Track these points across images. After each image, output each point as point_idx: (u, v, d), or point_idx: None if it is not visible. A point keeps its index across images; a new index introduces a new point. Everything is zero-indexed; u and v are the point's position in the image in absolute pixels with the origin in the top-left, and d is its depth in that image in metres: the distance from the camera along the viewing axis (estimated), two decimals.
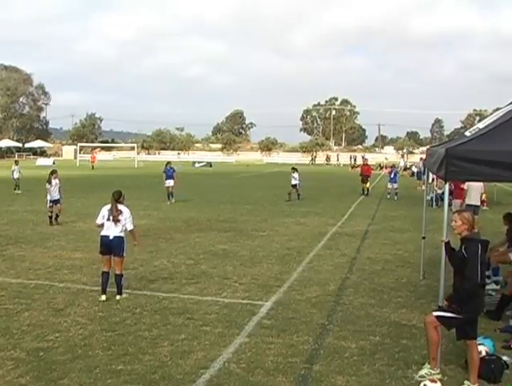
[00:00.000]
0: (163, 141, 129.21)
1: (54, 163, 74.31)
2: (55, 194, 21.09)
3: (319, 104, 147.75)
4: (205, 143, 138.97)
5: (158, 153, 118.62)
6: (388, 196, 34.30)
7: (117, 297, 10.75)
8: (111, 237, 10.66)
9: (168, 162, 31.61)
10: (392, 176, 34.61)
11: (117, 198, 10.91)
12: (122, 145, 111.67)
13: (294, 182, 31.54)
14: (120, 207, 10.82)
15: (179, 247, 16.33)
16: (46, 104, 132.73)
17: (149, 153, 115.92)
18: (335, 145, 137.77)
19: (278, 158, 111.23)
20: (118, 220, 10.66)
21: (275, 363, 7.70)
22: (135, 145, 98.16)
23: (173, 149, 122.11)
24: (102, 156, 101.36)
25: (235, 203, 28.65)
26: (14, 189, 34.83)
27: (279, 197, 31.98)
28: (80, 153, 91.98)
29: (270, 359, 7.83)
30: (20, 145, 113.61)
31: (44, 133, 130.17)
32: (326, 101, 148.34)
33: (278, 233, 19.29)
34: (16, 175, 35.93)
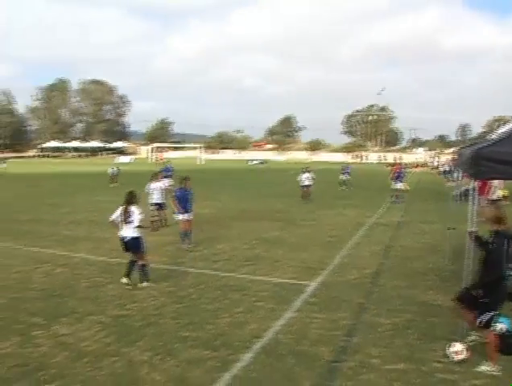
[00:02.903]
0: (224, 141, 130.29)
1: (132, 161, 75.71)
2: (156, 196, 17.45)
3: (358, 110, 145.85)
4: (262, 143, 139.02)
5: (219, 153, 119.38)
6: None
7: (141, 284, 10.18)
8: (127, 239, 10.08)
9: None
10: (396, 176, 29.42)
11: (129, 199, 10.19)
12: (189, 145, 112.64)
13: (307, 182, 27.58)
14: (131, 208, 10.05)
15: (236, 233, 16.49)
16: (127, 111, 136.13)
17: (211, 153, 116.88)
18: (373, 146, 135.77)
19: (323, 157, 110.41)
20: (130, 222, 9.98)
21: (318, 335, 7.76)
22: (200, 145, 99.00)
23: (232, 149, 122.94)
24: (171, 154, 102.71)
25: (286, 196, 28.61)
26: (110, 183, 35.52)
27: (323, 191, 31.85)
28: (153, 152, 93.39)
29: (314, 331, 7.91)
30: (105, 145, 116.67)
31: (125, 135, 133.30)
32: (365, 107, 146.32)
33: (323, 223, 19.28)
34: (110, 171, 36.91)
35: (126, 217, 9.97)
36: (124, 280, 10.15)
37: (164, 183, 18.17)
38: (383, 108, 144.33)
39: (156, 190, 17.52)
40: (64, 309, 8.83)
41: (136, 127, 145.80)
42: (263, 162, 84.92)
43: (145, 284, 10.23)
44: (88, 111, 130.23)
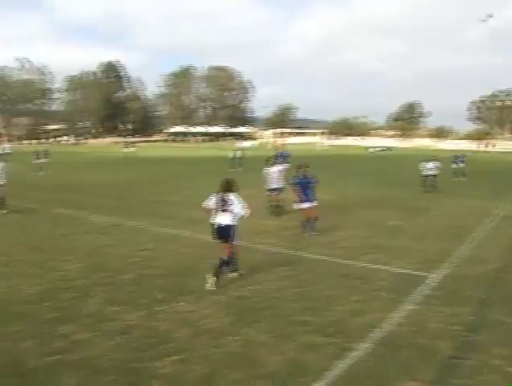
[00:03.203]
0: (346, 127, 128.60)
1: (254, 146, 76.71)
2: (273, 181, 17.39)
3: (487, 96, 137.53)
4: (383, 130, 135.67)
5: (341, 139, 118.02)
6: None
7: (212, 278, 9.28)
8: (221, 225, 9.54)
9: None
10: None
11: (226, 187, 9.72)
12: (310, 130, 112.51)
13: (431, 172, 25.92)
14: (228, 196, 9.61)
15: (356, 221, 16.27)
16: (250, 97, 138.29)
17: (333, 138, 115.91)
18: (502, 134, 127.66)
19: (449, 144, 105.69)
20: (225, 210, 9.54)
21: (438, 329, 7.51)
22: (320, 130, 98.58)
23: (354, 135, 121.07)
24: (291, 140, 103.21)
25: (407, 184, 27.72)
26: (232, 167, 35.93)
27: (447, 180, 30.53)
28: (274, 137, 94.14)
29: (433, 325, 7.66)
30: (228, 130, 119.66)
31: (248, 121, 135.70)
32: (492, 93, 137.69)
33: (446, 213, 18.49)
34: (236, 156, 37.61)
35: (224, 205, 9.56)
36: (211, 280, 9.26)
37: (279, 168, 17.99)
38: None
39: (272, 175, 17.52)
40: (187, 287, 9.23)
41: (259, 113, 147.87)
42: (385, 149, 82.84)
43: (234, 274, 9.87)
44: (213, 97, 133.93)
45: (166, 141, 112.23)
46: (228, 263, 9.66)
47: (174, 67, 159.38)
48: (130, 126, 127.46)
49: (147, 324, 7.60)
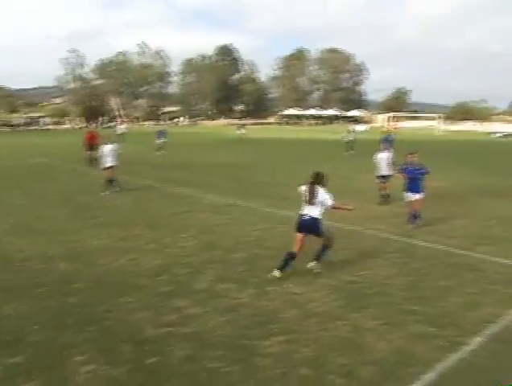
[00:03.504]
0: (464, 112, 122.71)
1: (367, 129, 74.97)
2: (381, 168, 16.63)
3: None
4: (507, 115, 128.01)
5: (459, 124, 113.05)
6: None
7: (311, 263, 9.15)
8: (306, 217, 9.08)
9: None
10: None
11: (315, 180, 9.28)
12: (426, 115, 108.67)
13: None
14: (316, 189, 9.13)
15: (472, 209, 15.48)
16: (365, 79, 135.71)
17: (450, 124, 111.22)
18: None
19: None
20: (313, 203, 9.09)
21: None
22: (437, 115, 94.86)
23: (473, 120, 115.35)
24: (406, 124, 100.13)
25: None
26: (345, 151, 35.53)
27: None
28: (388, 121, 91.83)
29: None
30: (341, 113, 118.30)
31: (362, 104, 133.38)
32: None
33: None
34: (348, 140, 36.74)
35: (311, 197, 9.11)
36: (276, 273, 8.95)
37: (387, 155, 16.94)
38: None
39: (381, 161, 16.75)
40: (297, 269, 9.23)
41: (372, 96, 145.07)
42: (507, 134, 78.12)
43: (313, 265, 9.20)
44: (326, 79, 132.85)
45: (279, 123, 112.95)
46: (326, 247, 9.29)
47: (287, 51, 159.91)
48: (243, 108, 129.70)
49: (256, 303, 7.74)
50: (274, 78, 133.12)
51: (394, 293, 8.25)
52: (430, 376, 5.69)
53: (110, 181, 17.89)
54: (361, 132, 61.53)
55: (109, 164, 18.01)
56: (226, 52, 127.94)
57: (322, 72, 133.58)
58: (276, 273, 8.88)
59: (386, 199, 16.37)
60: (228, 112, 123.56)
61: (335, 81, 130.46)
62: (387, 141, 21.31)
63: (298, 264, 9.56)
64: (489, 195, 18.44)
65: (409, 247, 11.08)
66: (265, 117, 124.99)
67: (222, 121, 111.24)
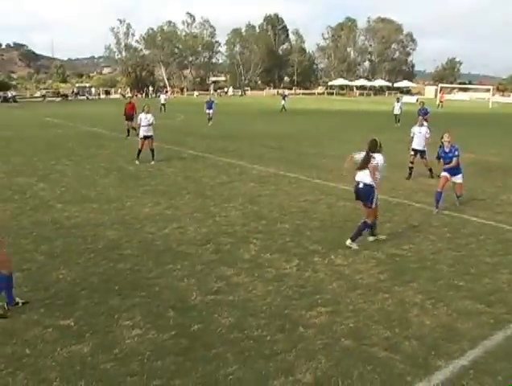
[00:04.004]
0: None
1: (417, 101, 72.81)
2: (417, 142, 15.88)
3: None
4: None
5: (510, 96, 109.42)
6: None
7: (347, 242, 8.98)
8: (361, 185, 9.07)
9: None
10: None
11: (371, 148, 9.14)
12: (478, 86, 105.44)
13: None
14: (373, 155, 9.02)
15: None
16: (413, 50, 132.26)
17: (503, 95, 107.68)
18: None
19: None
20: (365, 168, 9.01)
21: None
22: (490, 87, 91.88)
23: None
24: (458, 96, 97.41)
25: None
26: (396, 122, 34.84)
27: None
28: (440, 92, 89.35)
29: None
30: (390, 84, 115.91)
31: (410, 75, 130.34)
32: None
33: None
34: (397, 111, 35.72)
35: (365, 165, 9.03)
36: (348, 242, 9.03)
37: (424, 129, 15.97)
38: None
39: (416, 135, 15.91)
40: (343, 240, 9.21)
41: (422, 66, 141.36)
42: None
43: (350, 244, 9.01)
44: (375, 50, 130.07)
45: (327, 94, 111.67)
46: (370, 226, 9.28)
47: (335, 20, 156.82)
48: (290, 78, 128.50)
49: (301, 274, 7.77)
50: (322, 48, 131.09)
51: (440, 268, 8.13)
52: (475, 353, 5.61)
53: (151, 150, 17.97)
54: (411, 104, 60.04)
55: (145, 133, 17.93)
56: (274, 22, 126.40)
57: (371, 43, 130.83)
58: (371, 239, 9.33)
59: (430, 173, 15.53)
60: (275, 82, 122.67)
61: (383, 52, 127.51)
62: (423, 114, 20.48)
63: (342, 235, 9.55)
64: None
65: (457, 221, 10.87)
66: (312, 88, 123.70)
67: (270, 91, 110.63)
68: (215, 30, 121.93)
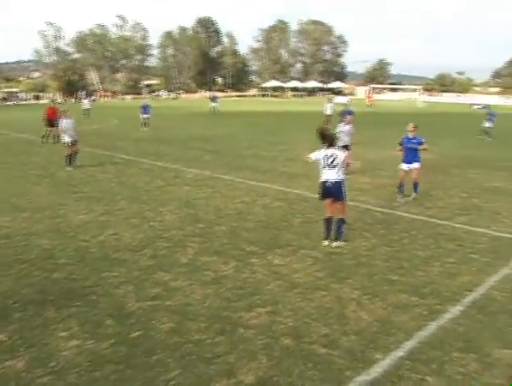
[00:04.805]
0: (444, 84, 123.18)
1: (349, 102, 74.43)
2: (343, 139, 15.94)
3: None
4: (484, 87, 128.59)
5: (440, 96, 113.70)
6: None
7: (334, 243, 9.21)
8: (329, 183, 9.09)
9: None
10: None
11: (330, 142, 9.24)
12: (406, 86, 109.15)
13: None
14: (333, 151, 9.15)
15: (454, 181, 15.64)
16: (344, 52, 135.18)
17: (430, 95, 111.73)
18: None
19: None
20: (334, 166, 9.09)
21: None
22: (418, 87, 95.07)
23: (453, 92, 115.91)
24: (388, 96, 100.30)
25: None
26: (326, 123, 34.90)
27: None
28: (369, 93, 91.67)
29: None
30: (322, 85, 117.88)
31: (342, 76, 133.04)
32: None
33: None
34: (329, 112, 35.16)
35: (332, 160, 9.10)
36: (325, 243, 9.25)
37: (348, 128, 16.74)
38: None
39: (343, 132, 16.42)
40: (279, 241, 9.34)
41: (353, 68, 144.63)
42: (487, 106, 78.68)
43: (337, 243, 9.25)
44: (307, 51, 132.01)
45: (260, 95, 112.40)
46: (345, 221, 9.41)
47: (268, 23, 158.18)
48: (223, 81, 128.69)
49: (239, 275, 7.79)
50: (255, 50, 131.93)
51: (375, 263, 8.35)
52: (411, 343, 5.80)
53: (71, 155, 17.57)
54: (343, 104, 61.29)
55: (71, 138, 17.56)
56: (206, 24, 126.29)
57: (303, 44, 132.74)
58: (326, 243, 9.21)
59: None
60: (209, 85, 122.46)
61: (315, 53, 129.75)
62: (346, 114, 21.38)
63: (279, 235, 9.67)
64: (469, 167, 18.63)
65: (390, 218, 11.19)
66: (246, 90, 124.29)
67: (203, 94, 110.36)
68: (147, 32, 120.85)
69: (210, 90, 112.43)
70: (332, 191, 9.14)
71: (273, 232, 9.95)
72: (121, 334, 5.96)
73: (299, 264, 8.24)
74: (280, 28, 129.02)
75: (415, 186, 13.06)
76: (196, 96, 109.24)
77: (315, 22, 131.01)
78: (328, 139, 9.25)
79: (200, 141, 25.64)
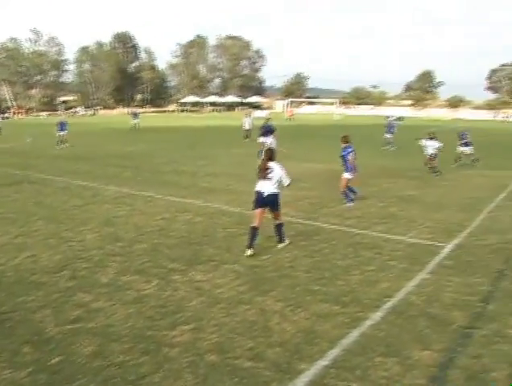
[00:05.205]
0: (359, 97, 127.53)
1: (268, 116, 75.36)
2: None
3: (506, 64, 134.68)
4: (396, 99, 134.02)
5: (355, 108, 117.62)
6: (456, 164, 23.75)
7: (279, 245, 9.95)
8: (265, 194, 9.56)
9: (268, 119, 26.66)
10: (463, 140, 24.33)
11: (269, 156, 9.85)
12: (324, 100, 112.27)
13: (430, 151, 21.28)
14: (270, 164, 9.69)
15: (371, 191, 16.16)
16: (262, 66, 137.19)
17: (346, 108, 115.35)
18: None
19: (465, 114, 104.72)
20: (268, 178, 9.58)
21: (452, 299, 7.49)
22: (335, 100, 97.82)
23: (367, 104, 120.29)
24: (306, 109, 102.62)
25: (422, 155, 27.44)
26: (245, 137, 35.33)
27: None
28: (287, 107, 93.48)
29: (447, 295, 7.64)
30: (241, 100, 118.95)
31: (260, 90, 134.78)
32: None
33: (462, 183, 18.40)
34: (248, 126, 35.82)
35: (266, 173, 9.63)
36: (248, 252, 9.42)
37: (270, 140, 18.29)
38: None
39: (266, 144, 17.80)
40: (201, 256, 9.29)
41: (272, 82, 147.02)
42: (400, 118, 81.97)
43: (283, 245, 10.00)
44: (225, 66, 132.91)
45: (179, 111, 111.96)
46: (283, 224, 10.09)
47: (186, 38, 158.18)
48: (142, 97, 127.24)
49: (162, 293, 7.66)
50: (174, 65, 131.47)
51: (298, 275, 8.45)
52: (334, 352, 5.89)
53: None
54: (262, 118, 62.03)
55: None
56: (123, 39, 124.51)
57: (221, 60, 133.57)
58: (248, 252, 9.39)
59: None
60: (127, 101, 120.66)
61: (234, 68, 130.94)
62: (265, 129, 22.45)
63: (201, 251, 9.63)
64: (386, 177, 19.35)
65: (311, 229, 11.40)
66: (165, 105, 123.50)
67: (122, 110, 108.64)
68: (63, 47, 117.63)
69: (128, 106, 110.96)
70: (268, 202, 9.66)
71: (195, 248, 9.88)
72: (40, 362, 5.71)
73: (221, 279, 8.21)
74: (198, 43, 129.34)
75: (345, 194, 14.22)
76: (115, 112, 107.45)
77: (232, 38, 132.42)
78: (266, 153, 10.07)
79: (118, 158, 25.18)
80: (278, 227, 9.99)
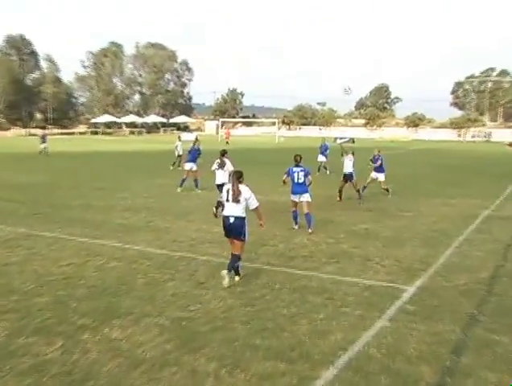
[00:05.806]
0: (304, 116, 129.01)
1: (196, 139, 75.39)
2: (220, 177, 18.84)
3: (472, 76, 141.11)
4: (348, 118, 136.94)
5: (299, 129, 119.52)
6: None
7: (236, 278, 10.75)
8: (232, 219, 10.53)
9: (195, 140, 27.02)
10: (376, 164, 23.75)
11: (238, 177, 10.75)
12: (263, 120, 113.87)
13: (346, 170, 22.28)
14: (240, 187, 10.66)
15: (320, 225, 16.18)
16: (190, 81, 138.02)
17: (289, 129, 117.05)
18: (490, 121, 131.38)
19: (426, 134, 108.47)
20: (238, 201, 10.54)
21: (418, 350, 7.57)
22: (276, 120, 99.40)
23: (314, 125, 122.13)
24: (243, 131, 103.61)
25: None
26: (173, 164, 35.24)
27: (427, 176, 31.21)
28: (221, 128, 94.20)
29: (412, 346, 7.72)
30: (165, 120, 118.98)
31: (188, 109, 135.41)
32: (481, 73, 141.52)
33: (424, 214, 18.87)
34: (181, 152, 35.55)
35: (237, 195, 10.53)
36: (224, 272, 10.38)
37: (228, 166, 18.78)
38: (504, 73, 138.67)
39: (221, 170, 18.74)
40: (118, 309, 9.08)
41: (201, 99, 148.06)
42: (352, 140, 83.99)
43: (238, 277, 10.77)
44: (146, 80, 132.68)
45: (92, 133, 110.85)
46: (240, 258, 10.77)
47: (99, 45, 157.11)
48: (43, 115, 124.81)
49: (68, 357, 7.39)
50: (83, 78, 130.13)
51: (234, 327, 8.38)
52: None
53: None
54: (191, 141, 62.18)
55: None
56: (18, 44, 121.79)
57: (140, 72, 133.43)
58: (224, 272, 10.33)
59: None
60: (25, 121, 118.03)
61: (156, 82, 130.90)
62: (193, 153, 23.55)
63: (117, 303, 9.43)
64: (336, 208, 19.69)
65: (249, 272, 11.35)
66: (72, 126, 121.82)
67: (18, 132, 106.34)
68: None
69: (27, 127, 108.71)
70: (232, 229, 10.59)
71: (109, 299, 9.66)
72: None
73: (142, 336, 8.03)
74: (113, 52, 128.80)
75: (309, 219, 15.46)
76: (8, 133, 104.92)
77: (153, 46, 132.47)
78: (236, 174, 10.85)
79: (12, 190, 24.49)
80: (233, 258, 10.62)
